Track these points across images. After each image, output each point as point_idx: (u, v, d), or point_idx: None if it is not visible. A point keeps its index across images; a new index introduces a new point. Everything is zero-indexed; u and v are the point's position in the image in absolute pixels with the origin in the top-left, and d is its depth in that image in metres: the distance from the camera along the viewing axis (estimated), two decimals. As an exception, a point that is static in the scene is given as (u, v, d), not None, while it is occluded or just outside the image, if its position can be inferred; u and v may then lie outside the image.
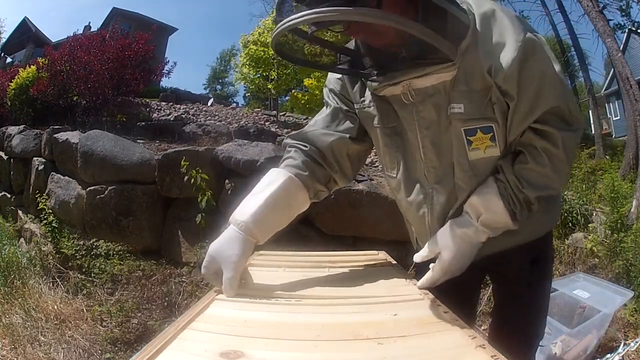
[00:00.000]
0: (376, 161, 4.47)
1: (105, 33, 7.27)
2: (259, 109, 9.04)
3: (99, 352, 2.21)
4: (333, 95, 1.01)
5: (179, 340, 0.60)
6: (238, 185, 3.21)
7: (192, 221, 3.00)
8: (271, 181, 0.91)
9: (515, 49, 0.78)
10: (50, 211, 3.40)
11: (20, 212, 4.63)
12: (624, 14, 10.43)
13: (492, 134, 0.85)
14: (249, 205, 0.87)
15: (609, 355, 0.59)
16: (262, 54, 7.00)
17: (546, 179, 0.85)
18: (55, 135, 4.14)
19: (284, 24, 0.72)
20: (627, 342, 2.02)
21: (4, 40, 18.22)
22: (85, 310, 2.54)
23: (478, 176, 0.88)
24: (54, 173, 4.08)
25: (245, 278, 0.84)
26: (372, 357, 0.57)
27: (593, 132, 9.17)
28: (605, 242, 3.05)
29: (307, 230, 3.10)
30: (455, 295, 0.83)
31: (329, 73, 1.03)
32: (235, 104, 14.32)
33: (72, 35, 7.28)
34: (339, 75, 1.00)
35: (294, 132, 1.04)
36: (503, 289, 1.11)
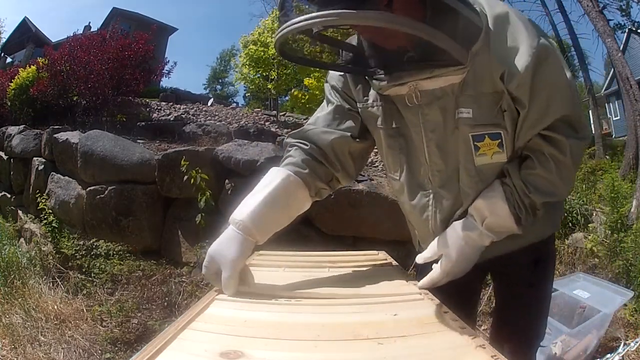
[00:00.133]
0: (376, 161, 4.47)
1: (105, 33, 7.26)
2: (259, 109, 9.04)
3: (99, 352, 2.21)
4: (335, 93, 0.99)
5: (179, 340, 0.60)
6: (238, 185, 3.21)
7: (192, 221, 3.00)
8: (270, 180, 0.90)
9: (529, 55, 0.77)
10: (50, 211, 3.40)
11: (20, 212, 4.63)
12: (624, 14, 10.45)
13: (500, 140, 0.84)
14: (248, 204, 0.87)
15: (609, 355, 0.59)
16: (262, 54, 7.00)
17: (553, 185, 0.85)
18: (55, 135, 4.14)
19: (293, 25, 0.69)
20: (627, 342, 2.02)
21: (4, 40, 18.24)
22: (85, 310, 2.53)
23: (484, 181, 0.87)
24: (54, 173, 4.08)
25: (245, 277, 0.84)
26: (372, 357, 0.57)
27: (593, 132, 9.17)
28: (605, 242, 3.06)
29: (307, 230, 3.10)
30: (456, 296, 0.83)
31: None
32: (235, 104, 14.34)
33: (72, 35, 7.29)
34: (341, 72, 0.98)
35: (294, 131, 1.02)
36: (505, 289, 1.10)
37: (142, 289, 2.95)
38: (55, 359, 2.08)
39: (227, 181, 3.34)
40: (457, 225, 0.88)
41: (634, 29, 11.92)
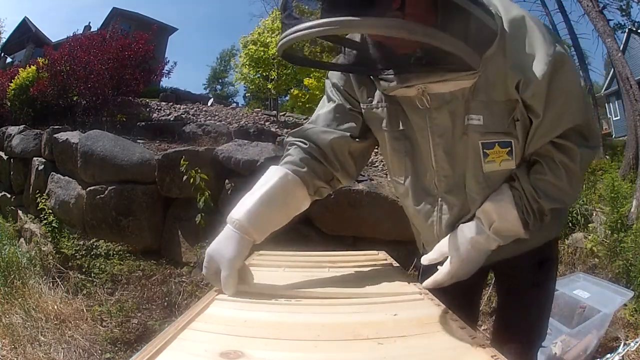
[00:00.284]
0: (376, 161, 4.47)
1: (105, 33, 7.26)
2: (259, 109, 9.04)
3: (99, 352, 2.21)
4: (335, 91, 0.97)
5: (179, 340, 0.60)
6: (238, 185, 3.21)
7: (192, 221, 3.01)
8: (268, 179, 0.89)
9: (545, 64, 0.75)
10: (50, 211, 3.40)
11: (20, 212, 4.63)
12: (624, 14, 10.45)
13: (509, 148, 0.83)
14: (245, 203, 0.86)
15: (609, 355, 0.59)
16: (262, 54, 7.00)
17: (562, 192, 0.84)
18: (55, 135, 4.14)
19: (299, 33, 0.66)
20: (627, 342, 2.02)
21: (4, 40, 18.23)
22: (85, 310, 2.53)
23: (491, 187, 0.86)
24: (54, 173, 4.08)
25: (245, 277, 0.84)
26: (372, 357, 0.57)
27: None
28: (605, 242, 3.06)
29: (307, 230, 3.11)
30: (459, 297, 0.83)
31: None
32: (235, 104, 14.33)
33: (72, 35, 7.28)
34: None
35: (294, 130, 1.01)
36: (508, 289, 1.10)
37: (142, 289, 2.95)
38: (55, 359, 2.08)
39: (227, 181, 3.34)
40: (464, 227, 0.87)
41: (634, 29, 11.92)
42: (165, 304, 2.78)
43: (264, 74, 7.38)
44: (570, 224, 3.42)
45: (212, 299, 0.78)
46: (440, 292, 0.83)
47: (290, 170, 0.91)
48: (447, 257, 0.87)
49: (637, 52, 13.46)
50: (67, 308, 2.52)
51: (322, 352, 0.58)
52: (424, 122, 0.86)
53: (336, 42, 0.94)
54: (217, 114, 7.32)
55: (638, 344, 0.67)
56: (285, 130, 6.16)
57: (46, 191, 3.93)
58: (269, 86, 7.39)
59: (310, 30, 0.65)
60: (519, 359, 1.01)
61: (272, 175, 0.90)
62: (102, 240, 3.40)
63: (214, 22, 55.59)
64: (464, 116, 0.82)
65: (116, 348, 2.28)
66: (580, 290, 2.19)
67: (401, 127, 0.90)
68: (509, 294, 1.10)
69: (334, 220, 3.09)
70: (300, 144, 0.96)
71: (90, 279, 2.99)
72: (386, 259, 1.12)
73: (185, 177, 2.92)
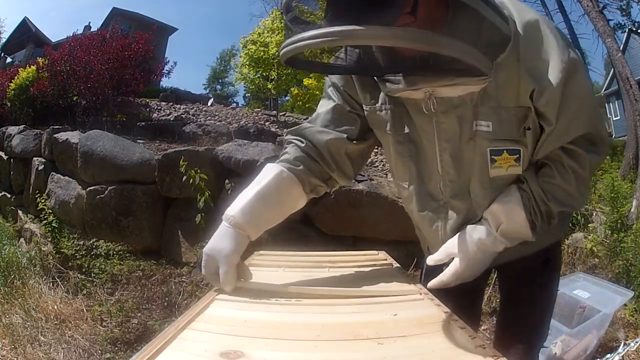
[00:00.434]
0: (376, 161, 4.47)
1: (105, 33, 7.26)
2: (259, 109, 9.04)
3: (99, 352, 2.21)
4: (335, 91, 0.95)
5: (179, 340, 0.60)
6: (238, 185, 3.21)
7: (192, 221, 3.01)
8: (263, 176, 0.89)
9: (560, 71, 0.73)
10: (50, 211, 3.40)
11: (20, 212, 4.63)
12: (624, 14, 10.44)
13: (518, 155, 0.82)
14: (240, 200, 0.86)
15: (609, 355, 0.59)
16: (262, 54, 6.99)
17: (570, 197, 0.83)
18: (55, 135, 4.14)
19: (304, 42, 0.62)
20: (627, 342, 2.02)
21: (4, 40, 18.24)
22: (85, 310, 2.54)
23: (496, 191, 0.85)
24: (54, 173, 4.08)
25: (244, 275, 0.84)
26: (372, 357, 0.57)
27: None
28: (605, 242, 3.06)
29: (307, 230, 3.11)
30: (462, 297, 0.83)
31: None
32: (235, 104, 14.33)
33: (72, 35, 7.28)
34: None
35: (293, 128, 1.00)
36: (512, 289, 1.09)
37: (142, 289, 2.95)
38: (55, 359, 2.08)
39: (227, 181, 3.34)
40: (470, 229, 0.86)
41: (634, 29, 11.91)
42: (165, 304, 2.78)
43: (264, 74, 7.37)
44: (570, 224, 3.42)
45: (212, 299, 0.78)
46: (443, 292, 0.83)
47: (286, 167, 0.91)
48: (453, 258, 0.86)
49: (637, 52, 13.45)
50: (67, 308, 2.52)
51: (322, 352, 0.58)
52: (430, 126, 0.84)
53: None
54: (217, 114, 7.32)
55: (638, 344, 0.67)
56: (285, 130, 6.16)
57: (46, 191, 3.93)
58: (269, 86, 7.39)
59: (314, 41, 0.62)
60: (522, 359, 1.01)
61: (267, 173, 0.90)
62: (102, 240, 3.40)
63: (214, 22, 55.69)
64: (472, 121, 0.81)
65: (116, 348, 2.28)
66: (580, 290, 2.19)
67: (406, 131, 0.88)
68: (512, 293, 1.09)
69: (334, 220, 3.09)
70: (297, 142, 0.96)
71: (90, 279, 2.99)
72: (386, 259, 1.12)
73: (185, 177, 2.93)
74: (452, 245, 0.87)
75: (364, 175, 3.41)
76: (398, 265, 1.06)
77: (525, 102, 0.77)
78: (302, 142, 0.95)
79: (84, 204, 3.62)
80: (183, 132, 5.28)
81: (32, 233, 3.98)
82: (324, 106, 0.97)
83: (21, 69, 6.80)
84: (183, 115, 6.83)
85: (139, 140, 4.45)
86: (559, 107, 0.76)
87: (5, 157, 5.08)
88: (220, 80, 29.71)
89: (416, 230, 1.05)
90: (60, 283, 2.88)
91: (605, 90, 16.85)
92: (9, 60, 16.15)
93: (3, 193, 5.16)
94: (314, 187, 0.95)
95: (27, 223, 4.26)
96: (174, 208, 3.53)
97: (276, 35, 6.73)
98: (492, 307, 2.50)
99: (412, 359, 0.57)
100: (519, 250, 0.88)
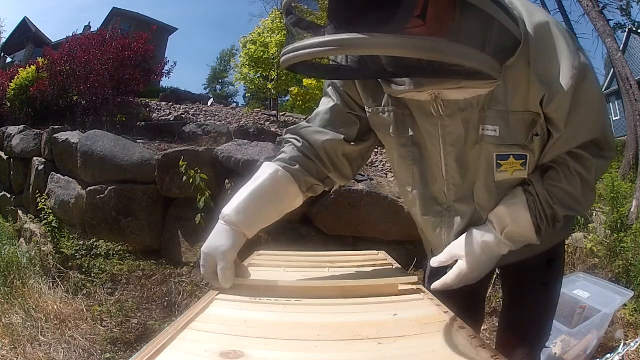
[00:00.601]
0: (376, 161, 4.47)
1: (105, 33, 7.25)
2: (259, 109, 9.03)
3: (99, 352, 2.21)
4: (334, 91, 0.94)
5: (179, 340, 0.60)
6: (238, 185, 3.16)
7: (192, 221, 3.01)
8: (259, 175, 0.90)
9: (571, 77, 0.72)
10: (50, 211, 3.40)
11: (20, 212, 4.63)
12: (624, 14, 10.44)
13: (524, 160, 0.81)
14: (235, 199, 0.87)
15: (609, 355, 0.59)
16: (262, 54, 6.99)
17: (576, 201, 0.83)
18: (55, 135, 4.14)
19: (306, 51, 0.60)
20: (627, 342, 2.02)
21: (4, 40, 18.24)
22: (85, 310, 2.54)
23: (500, 195, 0.85)
24: (54, 173, 4.08)
25: (243, 274, 0.84)
26: (372, 357, 0.57)
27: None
28: (605, 242, 3.06)
29: (307, 230, 3.10)
30: (465, 298, 0.83)
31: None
32: (235, 104, 14.35)
33: (72, 35, 7.28)
34: None
35: (291, 127, 0.99)
36: (515, 288, 1.08)
37: (142, 289, 2.95)
38: (55, 359, 2.08)
39: (227, 181, 3.34)
40: (475, 232, 0.85)
41: (634, 29, 11.92)
42: (165, 304, 2.78)
43: (264, 74, 7.36)
44: (570, 224, 3.42)
45: (212, 299, 0.78)
46: (446, 294, 0.83)
47: (282, 167, 0.91)
48: (457, 260, 0.85)
49: (637, 52, 13.46)
50: (67, 308, 2.52)
51: (322, 352, 0.58)
52: (435, 129, 0.83)
53: None
54: (217, 114, 7.32)
55: (638, 344, 0.67)
56: (285, 130, 6.15)
57: (46, 191, 3.93)
58: (269, 86, 7.38)
59: (315, 50, 0.59)
60: (525, 359, 1.01)
61: (263, 172, 0.90)
62: (102, 240, 3.40)
63: (214, 22, 55.78)
64: (479, 125, 0.79)
65: (116, 348, 2.28)
66: (580, 290, 2.19)
67: (410, 134, 0.87)
68: (515, 293, 1.09)
69: (334, 220, 3.09)
70: (294, 141, 0.96)
71: (90, 279, 2.99)
72: (386, 259, 1.12)
73: (185, 177, 2.93)
74: (456, 247, 0.86)
75: (364, 175, 3.41)
76: (398, 265, 1.06)
77: (534, 107, 0.76)
78: (299, 141, 0.95)
79: (84, 204, 3.62)
80: (183, 132, 5.28)
81: (32, 233, 3.98)
82: (324, 105, 0.96)
83: (21, 69, 6.79)
84: (183, 115, 6.83)
85: (139, 140, 4.45)
86: (568, 114, 0.75)
87: (5, 157, 5.08)
88: (220, 80, 29.73)
89: (420, 232, 1.05)
90: (60, 283, 2.88)
91: (605, 90, 16.85)
92: (9, 60, 16.16)
93: (3, 193, 5.16)
94: (310, 187, 0.95)
95: (27, 223, 4.26)
96: (174, 208, 3.53)
97: (276, 35, 6.73)
98: (492, 307, 2.49)
99: (412, 359, 0.57)
100: (523, 252, 0.87)
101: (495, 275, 1.68)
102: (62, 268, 3.06)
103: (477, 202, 0.86)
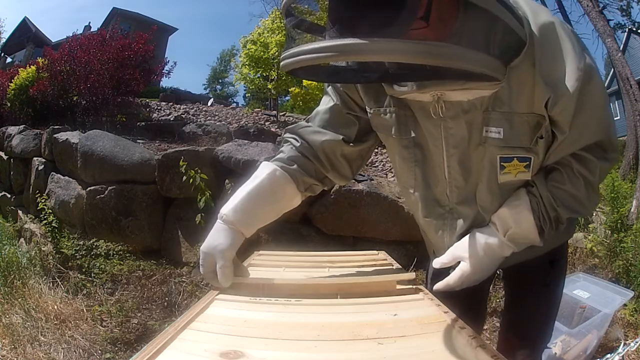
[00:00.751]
0: (376, 161, 4.47)
1: (105, 33, 7.25)
2: (259, 109, 9.03)
3: (99, 352, 2.21)
4: (333, 90, 0.93)
5: (179, 340, 0.60)
6: (238, 185, 3.17)
7: (192, 221, 3.00)
8: (257, 175, 0.90)
9: (577, 79, 0.71)
10: (50, 211, 3.40)
11: (20, 212, 4.63)
12: (624, 14, 10.44)
13: (528, 163, 0.80)
14: (233, 198, 0.87)
15: (609, 355, 0.59)
16: (262, 54, 6.99)
17: (579, 203, 0.82)
18: (55, 135, 4.14)
19: (306, 56, 0.58)
20: (627, 342, 2.02)
21: (4, 40, 18.25)
22: (85, 310, 2.54)
23: (503, 197, 0.84)
24: (54, 173, 4.08)
25: (242, 274, 0.85)
26: (372, 357, 0.57)
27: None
28: (605, 242, 3.06)
29: (307, 230, 3.10)
30: (468, 299, 0.83)
31: None
32: (235, 104, 14.35)
33: (72, 35, 7.28)
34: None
35: (290, 126, 0.99)
36: (517, 289, 1.08)
37: (142, 289, 2.95)
38: (55, 359, 2.08)
39: (227, 181, 3.34)
40: (477, 233, 0.85)
41: (634, 29, 11.92)
42: (165, 304, 2.78)
43: (264, 74, 7.36)
44: (570, 224, 3.42)
45: (212, 299, 0.78)
46: (448, 294, 0.83)
47: (279, 166, 0.91)
48: (459, 261, 0.85)
49: (637, 52, 13.46)
50: (67, 308, 2.52)
51: (322, 352, 0.58)
52: (437, 131, 0.82)
53: None
54: (217, 114, 7.32)
55: (638, 344, 0.67)
56: (285, 129, 6.15)
57: (46, 191, 3.93)
58: (269, 86, 7.38)
59: (315, 55, 0.58)
60: (526, 359, 1.01)
61: (261, 172, 0.90)
62: (102, 240, 3.41)
63: (214, 22, 55.80)
64: (482, 127, 0.78)
65: (116, 348, 2.28)
66: (580, 290, 2.19)
67: (412, 135, 0.86)
68: (517, 294, 1.08)
69: (334, 220, 3.09)
70: (293, 141, 0.95)
71: (90, 279, 2.99)
72: (386, 259, 1.12)
73: (185, 177, 2.93)
74: (459, 248, 0.86)
75: (364, 175, 3.41)
76: (398, 265, 1.06)
77: (539, 109, 0.75)
78: (297, 141, 0.95)
79: (84, 204, 3.62)
80: (183, 132, 5.28)
81: (32, 233, 3.98)
82: (324, 104, 0.96)
83: (21, 69, 6.80)
84: (183, 115, 6.83)
85: (139, 140, 4.45)
86: (573, 116, 0.75)
87: (5, 157, 5.08)
88: (220, 80, 29.73)
89: (422, 233, 1.04)
90: (60, 283, 2.88)
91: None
92: (9, 60, 16.17)
93: (3, 193, 5.16)
94: (308, 186, 0.95)
95: (27, 223, 4.26)
96: (174, 208, 3.53)
97: (276, 35, 6.72)
98: (492, 307, 2.49)
99: (412, 359, 0.57)
100: (526, 253, 0.87)
101: (496, 276, 1.68)
102: (62, 268, 3.06)
103: (479, 204, 0.86)
